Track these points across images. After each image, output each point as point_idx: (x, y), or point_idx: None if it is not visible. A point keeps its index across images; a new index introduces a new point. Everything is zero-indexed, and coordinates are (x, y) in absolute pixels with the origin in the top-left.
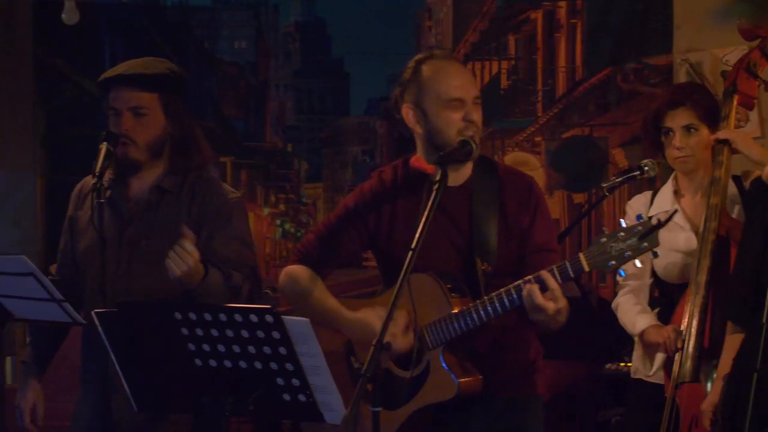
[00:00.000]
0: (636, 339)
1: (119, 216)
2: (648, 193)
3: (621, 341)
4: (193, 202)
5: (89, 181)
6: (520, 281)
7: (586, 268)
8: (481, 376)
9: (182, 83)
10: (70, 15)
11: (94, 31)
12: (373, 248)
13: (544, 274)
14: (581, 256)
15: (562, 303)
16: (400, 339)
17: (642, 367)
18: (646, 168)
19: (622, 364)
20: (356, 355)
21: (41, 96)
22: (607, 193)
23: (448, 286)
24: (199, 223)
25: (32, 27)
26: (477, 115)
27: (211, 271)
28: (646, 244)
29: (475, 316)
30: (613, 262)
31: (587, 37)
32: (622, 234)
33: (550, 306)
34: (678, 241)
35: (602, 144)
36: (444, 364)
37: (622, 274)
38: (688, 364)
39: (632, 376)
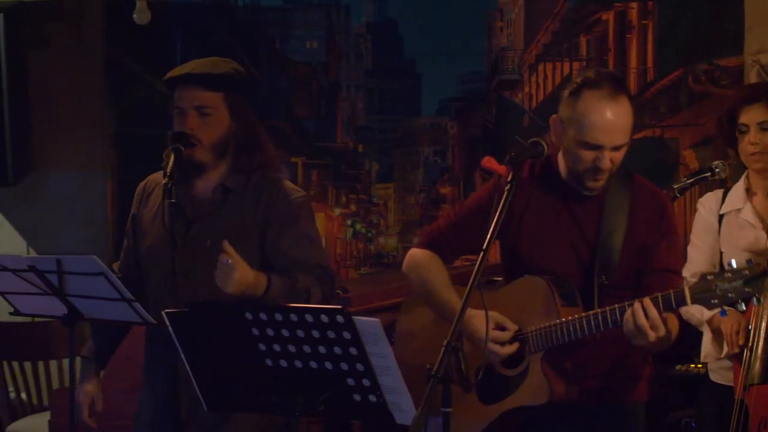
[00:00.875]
0: (704, 326)
1: (183, 215)
2: (719, 191)
3: (691, 342)
4: (258, 201)
5: (153, 179)
6: (626, 303)
7: (689, 303)
8: (577, 386)
9: (248, 83)
10: (141, 15)
11: (165, 31)
12: (499, 241)
13: (647, 301)
14: (686, 289)
15: (662, 332)
16: (506, 347)
17: (713, 351)
18: (717, 169)
19: (692, 365)
20: (463, 350)
21: (112, 96)
22: (678, 195)
23: (561, 293)
24: (265, 223)
25: (103, 27)
26: (611, 161)
27: (273, 282)
28: (749, 289)
29: (578, 329)
30: (716, 301)
31: (658, 38)
32: (729, 275)
33: (650, 334)
34: (748, 239)
35: (673, 145)
36: (542, 370)
37: (723, 314)
38: (757, 365)
39: (702, 360)
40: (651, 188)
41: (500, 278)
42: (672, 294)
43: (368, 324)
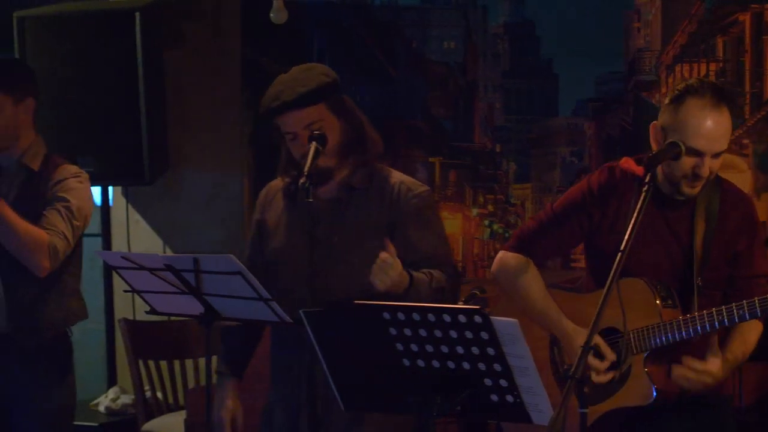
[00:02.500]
0: None
1: (310, 215)
2: None
3: None
4: (383, 197)
5: (273, 185)
6: (733, 304)
7: None
8: (679, 389)
9: (338, 81)
10: (278, 14)
11: (303, 31)
12: (588, 244)
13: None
14: None
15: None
16: (602, 375)
17: None
18: None
19: None
20: (559, 348)
21: (249, 96)
22: None
23: (661, 295)
24: (392, 219)
25: (240, 26)
26: (710, 168)
27: (416, 279)
28: None
29: (684, 331)
30: None
31: None
32: None
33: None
34: None
35: None
36: (645, 371)
37: None
38: None
39: None
40: (738, 192)
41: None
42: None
43: (506, 324)
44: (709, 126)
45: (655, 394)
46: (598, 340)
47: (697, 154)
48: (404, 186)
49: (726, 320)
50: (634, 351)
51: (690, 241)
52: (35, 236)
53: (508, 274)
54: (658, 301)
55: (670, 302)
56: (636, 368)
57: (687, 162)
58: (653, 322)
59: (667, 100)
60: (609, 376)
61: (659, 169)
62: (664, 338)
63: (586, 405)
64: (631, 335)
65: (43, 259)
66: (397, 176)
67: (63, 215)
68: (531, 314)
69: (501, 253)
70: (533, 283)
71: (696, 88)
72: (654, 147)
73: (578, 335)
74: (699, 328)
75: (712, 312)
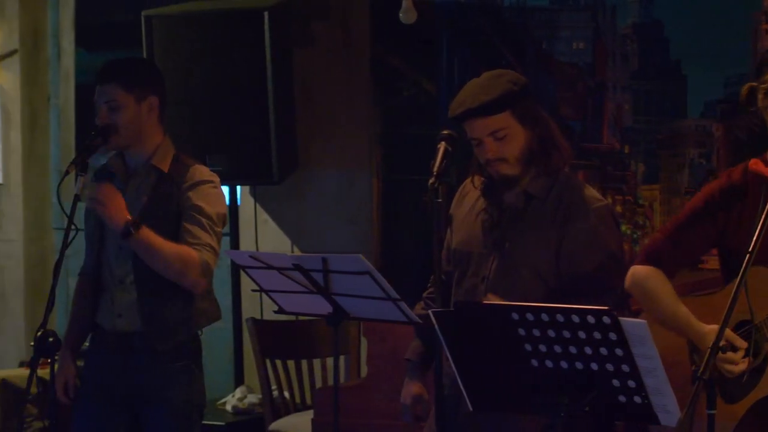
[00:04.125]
0: None
1: (490, 219)
2: None
3: None
4: (558, 209)
5: (470, 182)
6: None
7: None
8: None
9: (527, 88)
10: (407, 14)
11: (432, 31)
12: (719, 247)
13: None
14: None
15: None
16: (739, 365)
17: None
18: None
19: None
20: (699, 354)
21: (378, 94)
22: None
23: None
24: (561, 234)
25: (369, 25)
26: None
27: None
28: None
29: None
30: None
31: None
32: None
33: None
34: None
35: None
36: None
37: None
38: None
39: None
40: None
41: None
42: None
43: (635, 325)
44: None
45: None
46: (728, 334)
47: None
48: (579, 199)
49: None
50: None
51: None
52: (186, 257)
53: (638, 283)
54: None
55: None
56: None
57: None
58: None
59: None
60: (745, 363)
61: None
62: None
63: (714, 406)
64: (764, 325)
65: (198, 279)
66: (578, 188)
67: (205, 226)
68: (663, 318)
69: (632, 269)
70: (662, 287)
71: None
72: None
73: (712, 334)
74: None
75: None
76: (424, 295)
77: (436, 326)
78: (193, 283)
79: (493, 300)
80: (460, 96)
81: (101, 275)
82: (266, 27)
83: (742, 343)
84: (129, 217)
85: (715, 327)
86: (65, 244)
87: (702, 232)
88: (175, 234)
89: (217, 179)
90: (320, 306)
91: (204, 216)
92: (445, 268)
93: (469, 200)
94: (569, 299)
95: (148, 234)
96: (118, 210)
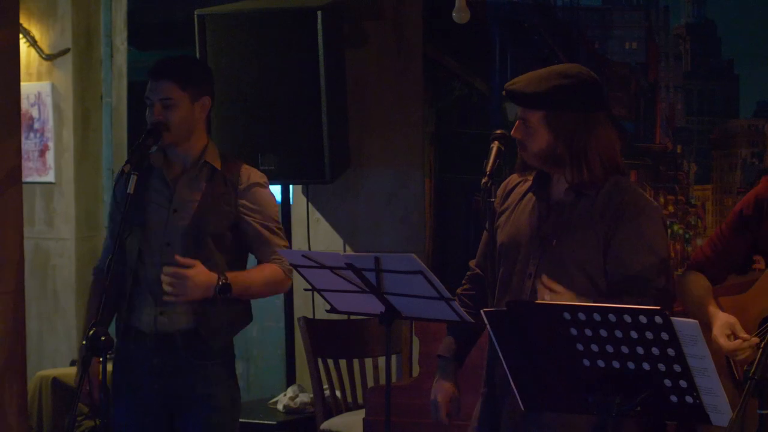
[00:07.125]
0: None
1: (537, 214)
2: None
3: None
4: (608, 206)
5: (512, 178)
6: None
7: None
8: None
9: (578, 101)
10: (460, 14)
11: (484, 30)
12: (764, 253)
13: None
14: None
15: None
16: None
17: None
18: None
19: None
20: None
21: (430, 94)
22: None
23: None
24: (610, 231)
25: (422, 25)
26: None
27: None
28: None
29: None
30: None
31: None
32: None
33: None
34: None
35: None
36: None
37: None
38: None
39: None
40: None
41: None
42: None
43: (686, 325)
44: None
45: None
46: (732, 324)
47: None
48: (630, 196)
49: None
50: None
51: None
52: (273, 279)
53: (681, 293)
54: None
55: None
56: None
57: None
58: None
59: None
60: (748, 352)
61: None
62: None
63: (766, 406)
64: None
65: (287, 286)
66: (628, 189)
67: (274, 230)
68: (690, 307)
69: (677, 276)
70: (696, 281)
71: None
72: None
73: (716, 319)
74: None
75: None
76: (459, 291)
77: (488, 326)
78: (284, 291)
79: (546, 291)
80: (522, 76)
81: (136, 272)
82: (319, 26)
83: (743, 334)
84: (214, 281)
85: (723, 314)
86: (119, 243)
87: (738, 239)
88: (227, 230)
89: (266, 178)
90: (372, 305)
91: (270, 220)
92: (482, 264)
93: (515, 195)
94: (616, 299)
95: (238, 282)
96: (203, 284)
